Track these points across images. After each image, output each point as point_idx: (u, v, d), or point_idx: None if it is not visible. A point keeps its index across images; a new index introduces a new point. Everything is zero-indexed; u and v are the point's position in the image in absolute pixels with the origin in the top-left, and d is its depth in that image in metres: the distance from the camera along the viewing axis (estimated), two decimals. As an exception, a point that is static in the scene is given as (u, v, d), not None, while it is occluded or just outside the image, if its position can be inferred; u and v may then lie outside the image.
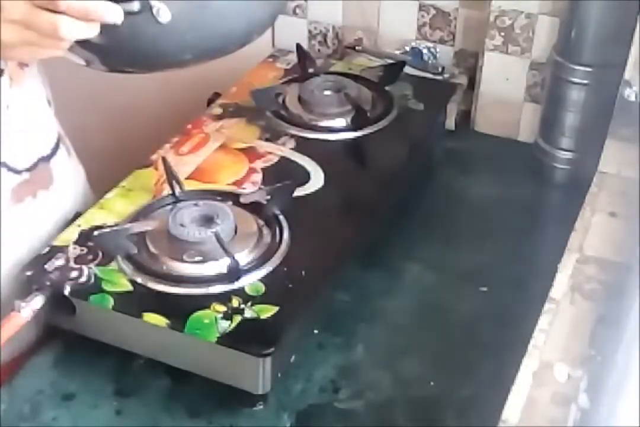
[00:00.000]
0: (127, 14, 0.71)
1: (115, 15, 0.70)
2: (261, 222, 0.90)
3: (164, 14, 0.72)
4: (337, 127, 1.07)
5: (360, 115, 1.06)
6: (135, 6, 0.72)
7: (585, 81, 1.07)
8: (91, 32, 0.71)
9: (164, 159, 0.95)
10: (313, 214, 0.94)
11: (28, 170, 0.89)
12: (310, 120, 1.07)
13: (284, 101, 1.10)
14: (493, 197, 1.11)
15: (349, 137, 1.05)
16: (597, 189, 0.92)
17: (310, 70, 1.15)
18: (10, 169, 0.86)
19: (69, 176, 0.97)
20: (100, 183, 1.00)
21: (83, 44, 0.74)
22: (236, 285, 0.82)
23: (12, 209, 0.87)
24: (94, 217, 0.91)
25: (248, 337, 0.78)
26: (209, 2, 0.75)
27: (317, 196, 0.95)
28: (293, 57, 1.19)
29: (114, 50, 0.75)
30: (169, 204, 0.92)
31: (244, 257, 0.85)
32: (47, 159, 0.91)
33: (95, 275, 0.83)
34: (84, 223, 0.90)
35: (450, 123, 1.22)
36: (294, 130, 1.05)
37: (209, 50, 0.79)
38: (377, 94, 1.12)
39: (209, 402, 0.82)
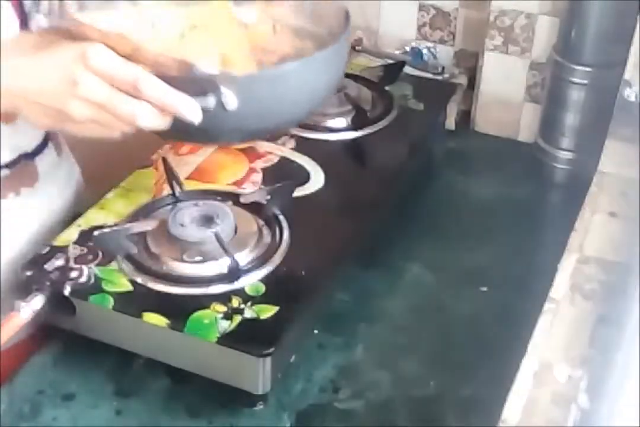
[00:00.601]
0: (203, 110, 0.69)
1: (194, 114, 0.69)
2: (261, 222, 0.90)
3: (231, 102, 0.70)
4: (337, 127, 1.07)
5: (360, 115, 1.06)
6: (210, 102, 0.69)
7: (585, 81, 1.07)
8: (165, 124, 0.70)
9: (164, 159, 0.95)
10: (313, 214, 0.94)
11: (8, 166, 0.88)
12: (310, 121, 1.07)
13: (284, 101, 1.10)
14: (493, 197, 1.11)
15: (349, 137, 1.05)
16: (597, 189, 0.92)
17: (311, 69, 1.15)
18: None
19: (59, 176, 0.96)
20: (100, 183, 0.99)
21: None
22: (236, 285, 0.82)
23: None
24: (94, 217, 0.91)
25: (248, 337, 0.78)
26: (278, 93, 0.73)
27: (317, 196, 0.95)
28: (293, 57, 1.18)
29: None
30: (169, 204, 0.92)
31: (244, 257, 0.85)
32: (30, 156, 0.90)
33: (95, 275, 0.83)
34: (84, 223, 0.90)
35: (450, 123, 1.22)
36: (294, 130, 1.05)
37: (259, 132, 0.78)
38: (377, 94, 1.12)
39: (209, 402, 0.82)
